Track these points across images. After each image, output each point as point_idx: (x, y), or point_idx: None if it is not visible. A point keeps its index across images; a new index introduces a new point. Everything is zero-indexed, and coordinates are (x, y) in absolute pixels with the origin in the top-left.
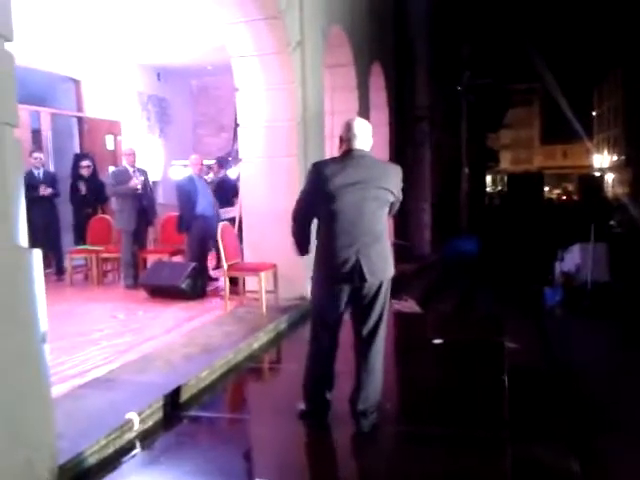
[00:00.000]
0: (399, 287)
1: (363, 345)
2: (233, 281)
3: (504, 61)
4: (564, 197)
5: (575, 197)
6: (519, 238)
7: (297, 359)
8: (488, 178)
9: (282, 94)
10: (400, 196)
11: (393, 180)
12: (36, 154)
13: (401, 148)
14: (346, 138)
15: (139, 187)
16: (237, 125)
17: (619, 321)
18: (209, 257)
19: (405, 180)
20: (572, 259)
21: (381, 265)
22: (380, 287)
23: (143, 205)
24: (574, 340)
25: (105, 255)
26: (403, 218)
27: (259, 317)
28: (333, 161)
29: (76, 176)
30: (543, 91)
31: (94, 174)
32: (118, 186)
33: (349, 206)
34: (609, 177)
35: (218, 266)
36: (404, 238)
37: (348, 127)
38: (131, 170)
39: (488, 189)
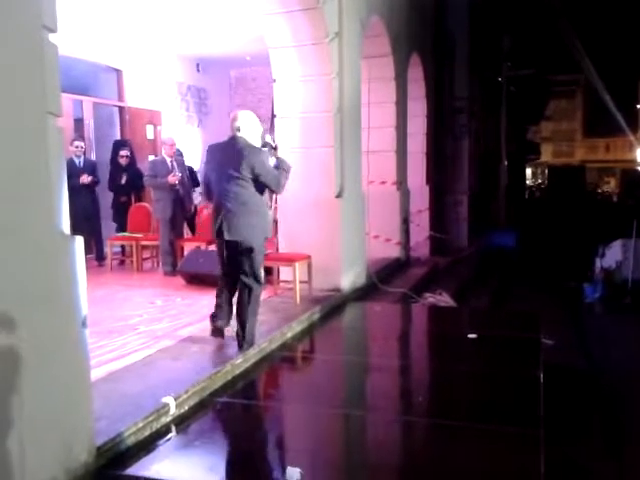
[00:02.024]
0: (433, 280)
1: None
2: (268, 271)
3: (546, 51)
4: (606, 191)
5: (617, 191)
6: (559, 232)
7: (329, 350)
8: (528, 171)
9: (319, 85)
10: (262, 171)
11: (249, 160)
12: (77, 142)
13: (439, 140)
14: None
15: (176, 182)
16: (274, 116)
17: None
18: None
19: (442, 172)
20: (613, 255)
21: (240, 229)
22: (241, 244)
23: (179, 195)
24: (613, 338)
25: (144, 243)
26: (440, 210)
27: (293, 307)
28: (217, 145)
29: (115, 164)
30: (586, 83)
31: (132, 163)
32: (155, 179)
33: (215, 183)
34: None
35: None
36: (440, 231)
37: (231, 117)
38: (169, 160)
39: (528, 182)
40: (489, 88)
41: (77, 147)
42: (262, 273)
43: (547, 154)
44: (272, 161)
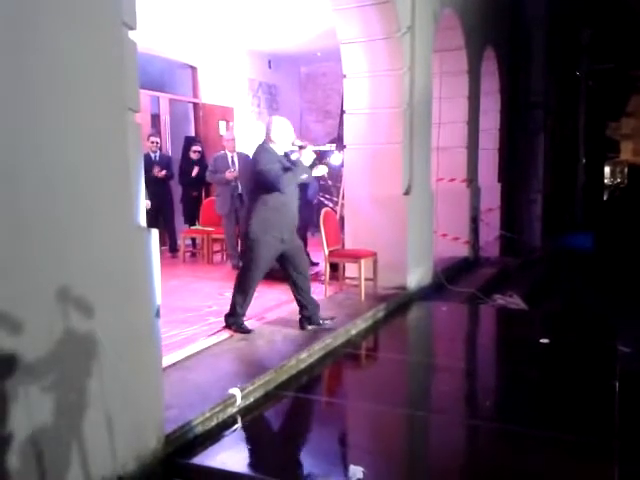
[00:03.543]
0: (503, 281)
1: None
2: (333, 267)
3: (628, 46)
4: None
5: None
6: (638, 235)
7: (394, 348)
8: (607, 169)
9: (389, 80)
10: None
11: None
12: (153, 138)
13: (513, 136)
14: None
15: (232, 178)
16: (343, 112)
17: None
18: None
19: (515, 169)
20: None
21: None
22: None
23: (238, 190)
24: None
25: (215, 236)
26: (512, 209)
27: (357, 304)
28: None
29: (186, 159)
30: None
31: (202, 158)
32: (216, 174)
33: None
34: None
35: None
36: (512, 230)
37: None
38: (230, 156)
39: (606, 181)
40: (567, 83)
41: (153, 142)
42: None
43: (627, 152)
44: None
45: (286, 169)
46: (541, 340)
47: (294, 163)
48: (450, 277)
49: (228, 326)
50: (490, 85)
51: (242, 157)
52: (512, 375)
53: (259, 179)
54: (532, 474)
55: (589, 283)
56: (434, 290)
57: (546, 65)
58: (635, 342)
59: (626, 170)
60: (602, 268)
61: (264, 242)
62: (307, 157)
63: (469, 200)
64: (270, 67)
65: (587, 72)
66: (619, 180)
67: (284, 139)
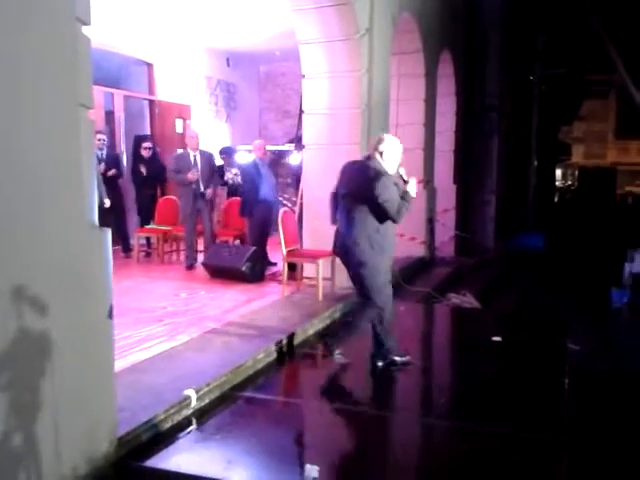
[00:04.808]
0: (458, 280)
1: None
2: (291, 267)
3: (581, 51)
4: (638, 195)
5: None
6: (588, 236)
7: (350, 347)
8: (558, 172)
9: (348, 81)
10: (375, 194)
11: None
12: (99, 135)
13: (468, 138)
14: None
15: (193, 180)
16: (302, 112)
17: None
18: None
19: (471, 171)
20: None
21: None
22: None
23: (202, 189)
24: (638, 343)
25: (175, 234)
26: (467, 210)
27: (315, 304)
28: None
29: (137, 157)
30: (620, 83)
31: (154, 156)
32: (177, 174)
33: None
34: None
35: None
36: (467, 231)
37: (378, 140)
38: (192, 155)
39: (558, 183)
40: (521, 87)
41: (99, 140)
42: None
43: (578, 155)
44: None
45: (401, 197)
46: (493, 338)
47: (404, 195)
48: (407, 277)
49: (385, 364)
50: (447, 88)
51: (205, 156)
52: (466, 373)
53: (377, 208)
54: (485, 470)
55: (541, 283)
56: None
57: (501, 69)
58: (584, 340)
59: (577, 173)
60: (553, 268)
61: (379, 268)
62: (413, 189)
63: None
64: (229, 65)
65: (541, 77)
66: (570, 182)
67: (395, 161)
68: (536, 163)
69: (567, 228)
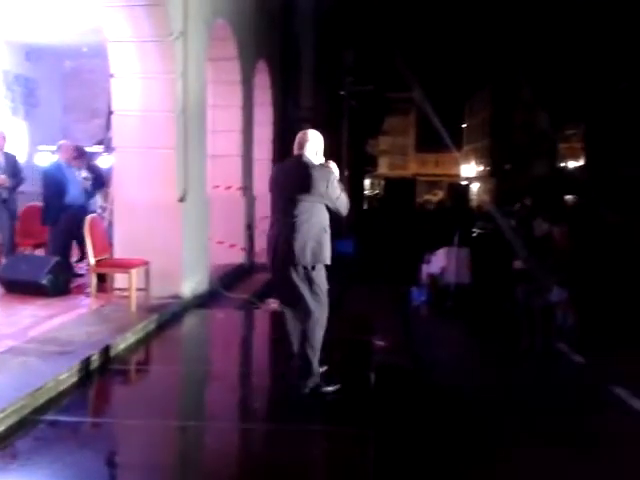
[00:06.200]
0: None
1: None
2: (101, 278)
3: (385, 70)
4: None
5: (444, 203)
6: (392, 240)
7: (167, 360)
8: (367, 182)
9: (161, 83)
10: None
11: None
12: None
13: (286, 147)
14: (294, 147)
15: (2, 184)
16: (111, 112)
17: (478, 320)
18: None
19: None
20: (438, 261)
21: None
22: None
23: (2, 196)
24: (437, 339)
25: None
26: None
27: (127, 316)
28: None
29: None
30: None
31: None
32: None
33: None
34: (475, 186)
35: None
36: None
37: (297, 137)
38: None
39: (366, 192)
40: (333, 101)
41: None
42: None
43: (384, 166)
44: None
45: None
46: None
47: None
48: (226, 284)
49: (311, 393)
50: (264, 97)
51: (10, 158)
52: (283, 375)
53: (328, 206)
54: (302, 466)
55: (350, 284)
56: (210, 298)
57: (315, 82)
58: (389, 336)
59: (383, 183)
60: (362, 270)
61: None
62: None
63: (244, 208)
64: (28, 59)
65: (350, 92)
66: (377, 191)
67: (321, 154)
68: (347, 173)
69: (374, 233)
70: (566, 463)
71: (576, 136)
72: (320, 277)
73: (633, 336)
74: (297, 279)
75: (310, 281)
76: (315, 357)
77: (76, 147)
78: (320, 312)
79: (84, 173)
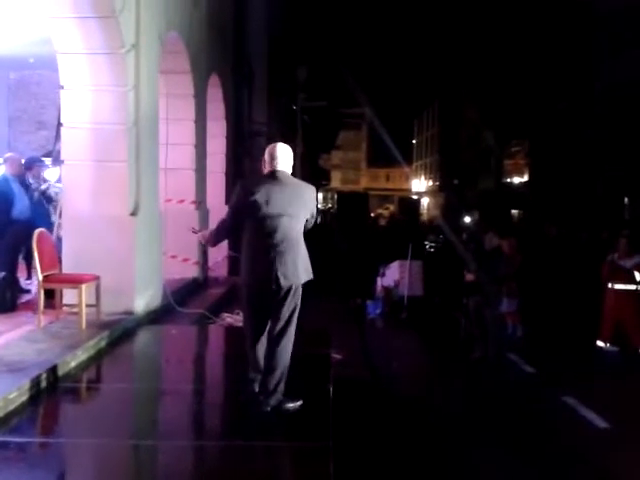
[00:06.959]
0: (231, 300)
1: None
2: (49, 294)
3: (338, 85)
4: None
5: (395, 217)
6: (347, 254)
7: (119, 378)
8: (320, 196)
9: (112, 96)
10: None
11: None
12: None
13: (239, 160)
14: (269, 160)
15: None
16: (60, 125)
17: (431, 331)
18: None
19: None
20: (392, 274)
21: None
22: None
23: None
24: (392, 350)
25: None
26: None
27: (77, 333)
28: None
29: None
30: (370, 117)
31: None
32: None
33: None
34: (425, 200)
35: (30, 276)
36: (239, 251)
37: (271, 150)
38: None
39: (320, 206)
40: (286, 115)
41: None
42: None
43: (336, 180)
44: None
45: None
46: None
47: None
48: (180, 299)
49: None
50: (216, 111)
51: None
52: (239, 391)
53: (311, 222)
54: None
55: (308, 298)
56: (164, 313)
57: (268, 97)
58: (345, 349)
59: (335, 196)
60: (318, 284)
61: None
62: None
63: (198, 221)
64: None
65: (303, 107)
66: (330, 205)
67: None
68: None
69: (328, 247)
70: (520, 468)
71: (520, 153)
72: (300, 294)
73: (579, 345)
74: (288, 298)
75: (296, 299)
76: (285, 375)
77: (29, 158)
78: (293, 330)
79: (44, 185)
